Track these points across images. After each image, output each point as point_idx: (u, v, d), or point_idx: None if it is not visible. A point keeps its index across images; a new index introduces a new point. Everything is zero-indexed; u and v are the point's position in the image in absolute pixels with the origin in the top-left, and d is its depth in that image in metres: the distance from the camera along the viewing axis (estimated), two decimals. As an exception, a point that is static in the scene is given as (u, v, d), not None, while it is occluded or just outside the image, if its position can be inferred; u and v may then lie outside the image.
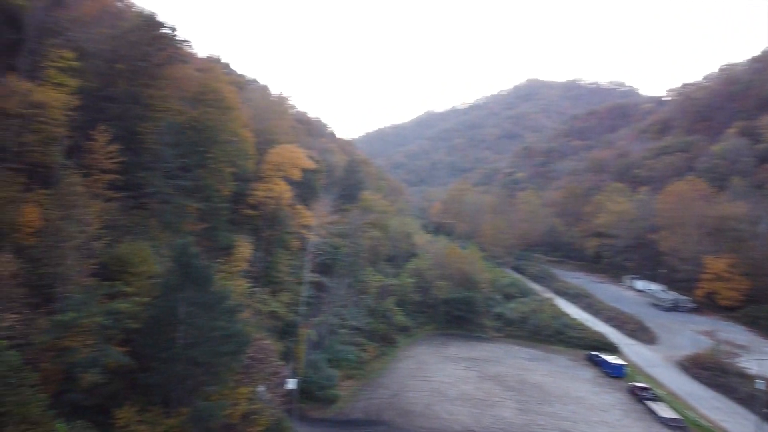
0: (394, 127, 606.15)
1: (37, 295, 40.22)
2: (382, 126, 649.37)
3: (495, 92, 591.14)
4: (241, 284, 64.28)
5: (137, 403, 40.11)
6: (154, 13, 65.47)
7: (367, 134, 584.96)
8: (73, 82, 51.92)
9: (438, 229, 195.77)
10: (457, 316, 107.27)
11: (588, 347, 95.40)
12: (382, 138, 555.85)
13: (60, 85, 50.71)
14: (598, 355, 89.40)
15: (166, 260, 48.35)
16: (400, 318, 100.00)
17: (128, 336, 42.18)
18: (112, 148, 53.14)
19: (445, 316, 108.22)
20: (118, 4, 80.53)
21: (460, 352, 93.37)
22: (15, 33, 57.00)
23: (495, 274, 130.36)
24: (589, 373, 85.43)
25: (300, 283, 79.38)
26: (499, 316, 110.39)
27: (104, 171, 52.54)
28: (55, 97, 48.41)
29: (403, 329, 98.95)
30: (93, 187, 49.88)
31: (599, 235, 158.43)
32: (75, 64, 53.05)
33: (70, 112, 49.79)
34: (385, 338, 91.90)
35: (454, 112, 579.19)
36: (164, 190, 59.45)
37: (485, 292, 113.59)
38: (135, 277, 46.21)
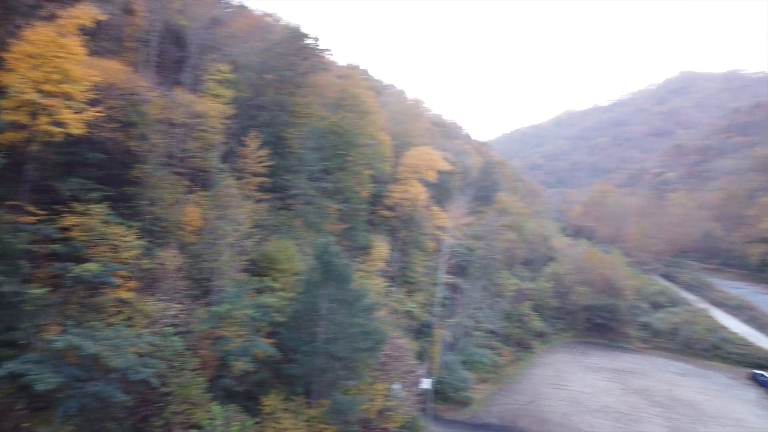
0: (532, 127, 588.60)
1: (197, 287, 44.31)
2: (519, 126, 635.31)
3: (642, 87, 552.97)
4: (378, 283, 65.92)
5: (282, 392, 42.61)
6: (299, 25, 69.55)
7: (504, 135, 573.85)
8: (229, 93, 56.48)
9: (578, 233, 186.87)
10: (599, 324, 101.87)
11: (751, 365, 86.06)
12: (518, 139, 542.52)
13: (217, 96, 55.42)
14: (763, 375, 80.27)
15: (309, 258, 50.95)
16: (537, 323, 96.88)
17: (274, 329, 44.94)
18: (261, 152, 57.13)
19: (585, 323, 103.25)
20: (267, 19, 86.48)
21: (602, 361, 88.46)
22: (180, 51, 63.42)
23: (641, 281, 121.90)
24: (752, 393, 76.95)
25: (435, 284, 79.77)
26: (645, 326, 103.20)
27: (255, 174, 56.60)
28: (213, 107, 53.03)
29: (540, 335, 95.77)
30: (245, 189, 53.95)
31: (766, 240, 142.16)
32: (230, 76, 57.69)
33: (225, 121, 54.32)
34: (521, 343, 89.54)
35: (595, 110, 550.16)
36: (307, 192, 62.79)
37: (630, 299, 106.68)
38: (281, 273, 49.22)
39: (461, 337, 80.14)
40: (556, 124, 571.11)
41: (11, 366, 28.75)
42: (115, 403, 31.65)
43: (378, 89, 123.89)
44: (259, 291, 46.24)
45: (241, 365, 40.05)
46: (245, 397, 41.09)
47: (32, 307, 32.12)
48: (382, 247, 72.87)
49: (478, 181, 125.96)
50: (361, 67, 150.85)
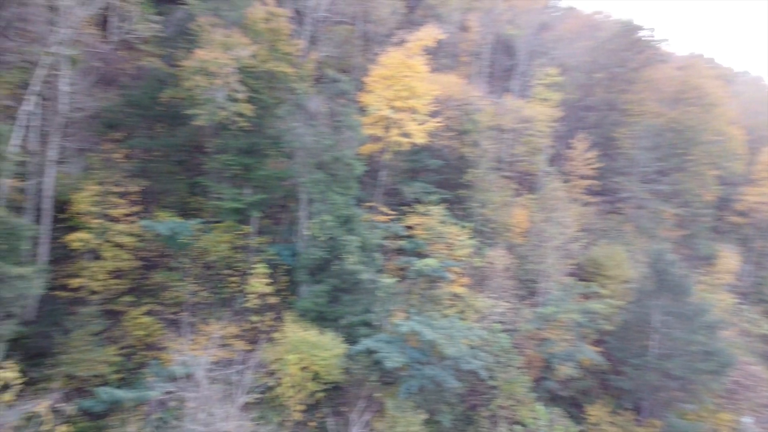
0: None
1: (523, 287, 45.25)
2: None
3: None
4: (724, 299, 57.45)
5: (608, 404, 40.51)
6: (631, 19, 65.29)
7: None
8: (556, 96, 56.28)
9: None
10: None
11: None
12: None
13: (545, 99, 55.78)
14: None
15: (641, 266, 47.33)
16: None
17: (601, 337, 43.03)
18: (590, 154, 55.37)
19: None
20: (597, 17, 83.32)
21: None
22: (509, 59, 65.84)
23: None
24: None
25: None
26: None
27: (582, 177, 55.17)
28: (540, 111, 53.55)
29: None
30: (572, 192, 53.00)
31: None
32: (558, 79, 57.42)
33: (553, 124, 54.25)
34: None
35: None
36: (639, 194, 58.41)
37: None
38: (609, 279, 46.85)
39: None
40: None
41: (368, 343, 33.73)
42: (448, 389, 34.40)
43: (728, 78, 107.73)
44: (586, 296, 44.86)
45: (565, 370, 39.43)
46: (569, 403, 40.29)
47: (384, 294, 37.14)
48: (730, 259, 63.11)
49: None
50: (706, 55, 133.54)
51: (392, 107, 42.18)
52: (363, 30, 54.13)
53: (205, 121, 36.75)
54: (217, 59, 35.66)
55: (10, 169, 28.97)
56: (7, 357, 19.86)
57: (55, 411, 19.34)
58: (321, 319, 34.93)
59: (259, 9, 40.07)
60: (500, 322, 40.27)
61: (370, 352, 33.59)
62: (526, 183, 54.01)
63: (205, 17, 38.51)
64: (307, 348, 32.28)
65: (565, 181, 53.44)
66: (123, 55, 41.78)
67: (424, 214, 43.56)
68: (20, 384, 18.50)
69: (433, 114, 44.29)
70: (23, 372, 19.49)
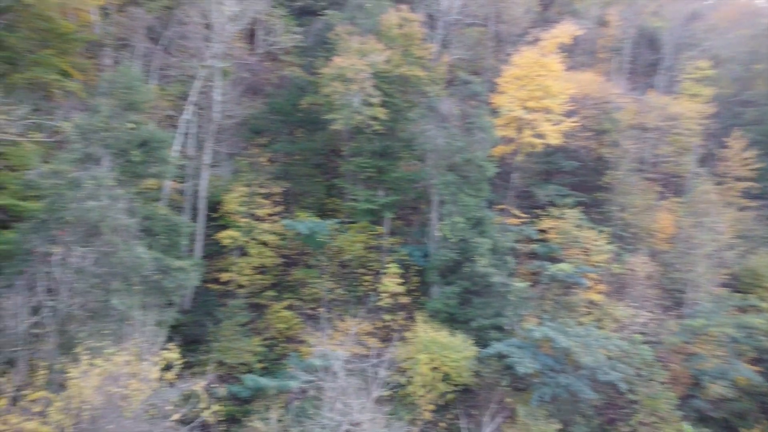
0: None
1: (668, 297, 42.13)
2: None
3: None
4: None
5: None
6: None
7: None
8: (708, 91, 51.93)
9: None
10: None
11: None
12: None
13: (695, 95, 51.70)
14: None
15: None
16: None
17: (761, 355, 38.84)
18: (747, 154, 50.27)
19: None
20: (756, 3, 75.82)
21: None
22: (653, 54, 61.71)
23: None
24: None
25: None
26: None
27: (738, 179, 50.24)
28: (689, 108, 49.58)
29: None
30: (726, 195, 48.47)
31: None
32: (710, 72, 53.03)
33: (704, 121, 49.97)
34: None
35: None
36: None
37: None
38: (770, 292, 42.25)
39: None
40: None
41: (499, 347, 33.15)
42: (584, 399, 32.86)
43: None
44: (742, 310, 40.74)
45: (717, 388, 36.03)
46: (721, 425, 36.77)
47: (515, 298, 36.33)
48: None
49: None
50: None
51: (525, 108, 41.20)
52: (495, 31, 53.54)
53: (342, 126, 38.26)
54: (354, 65, 37.00)
55: (172, 172, 32.08)
56: (169, 340, 22.13)
57: (209, 392, 21.21)
58: (451, 320, 35.00)
59: (393, 15, 41.07)
60: (641, 333, 37.77)
61: (501, 356, 32.99)
62: (672, 185, 50.22)
63: (342, 26, 40.22)
64: (438, 349, 32.44)
65: (718, 183, 48.97)
66: (267, 65, 44.83)
67: (558, 218, 42.05)
68: (181, 365, 20.54)
69: (569, 114, 42.59)
70: (181, 355, 21.63)
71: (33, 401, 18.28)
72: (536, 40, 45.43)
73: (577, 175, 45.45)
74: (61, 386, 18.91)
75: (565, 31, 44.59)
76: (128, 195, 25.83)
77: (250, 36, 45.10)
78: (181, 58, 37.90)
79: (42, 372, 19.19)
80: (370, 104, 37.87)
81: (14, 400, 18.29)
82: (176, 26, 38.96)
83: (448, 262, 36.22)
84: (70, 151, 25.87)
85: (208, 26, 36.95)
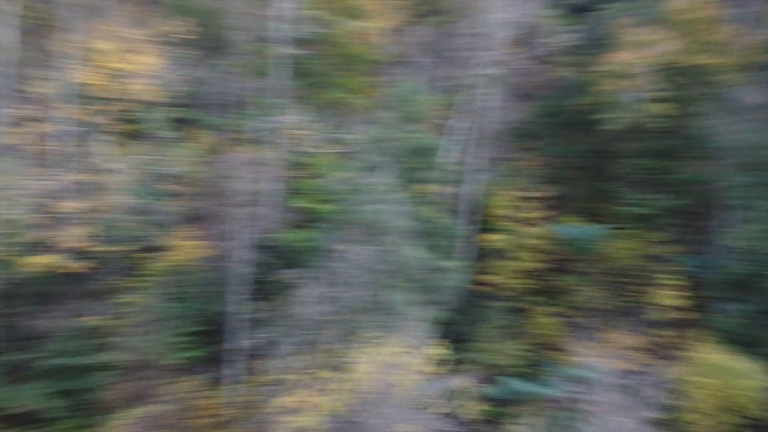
0: None
1: None
2: None
3: None
4: None
5: None
6: None
7: None
8: None
9: None
10: None
11: None
12: None
13: None
14: None
15: None
16: None
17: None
18: None
19: None
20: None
21: None
22: None
23: None
24: None
25: None
26: None
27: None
28: None
29: None
30: None
31: None
32: None
33: None
34: None
35: None
36: None
37: None
38: None
39: None
40: None
41: None
42: None
43: None
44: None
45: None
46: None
47: None
48: None
49: None
50: None
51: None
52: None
53: (616, 125, 35.99)
54: (636, 59, 34.57)
55: (442, 177, 33.89)
56: (437, 337, 23.53)
57: (472, 390, 21.95)
58: (739, 343, 30.40)
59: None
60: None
61: None
62: None
63: (619, 19, 37.73)
64: (722, 374, 28.54)
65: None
66: (537, 68, 44.25)
67: None
68: (448, 361, 21.66)
69: None
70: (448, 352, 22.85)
71: (316, 379, 21.16)
72: None
73: None
74: (338, 369, 21.52)
75: None
76: (403, 199, 28.10)
77: (522, 40, 45.03)
78: (453, 69, 39.65)
79: (324, 355, 22.15)
80: (655, 100, 34.96)
81: (301, 378, 21.42)
82: (449, 39, 40.86)
83: (738, 276, 31.94)
84: (357, 160, 29.27)
85: (478, 35, 38.00)
